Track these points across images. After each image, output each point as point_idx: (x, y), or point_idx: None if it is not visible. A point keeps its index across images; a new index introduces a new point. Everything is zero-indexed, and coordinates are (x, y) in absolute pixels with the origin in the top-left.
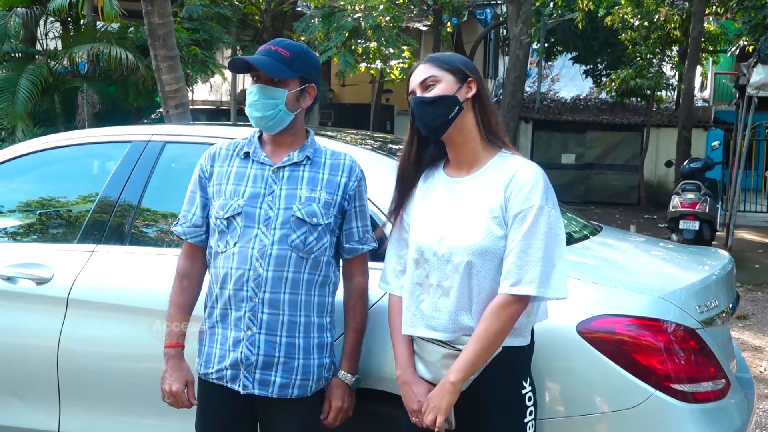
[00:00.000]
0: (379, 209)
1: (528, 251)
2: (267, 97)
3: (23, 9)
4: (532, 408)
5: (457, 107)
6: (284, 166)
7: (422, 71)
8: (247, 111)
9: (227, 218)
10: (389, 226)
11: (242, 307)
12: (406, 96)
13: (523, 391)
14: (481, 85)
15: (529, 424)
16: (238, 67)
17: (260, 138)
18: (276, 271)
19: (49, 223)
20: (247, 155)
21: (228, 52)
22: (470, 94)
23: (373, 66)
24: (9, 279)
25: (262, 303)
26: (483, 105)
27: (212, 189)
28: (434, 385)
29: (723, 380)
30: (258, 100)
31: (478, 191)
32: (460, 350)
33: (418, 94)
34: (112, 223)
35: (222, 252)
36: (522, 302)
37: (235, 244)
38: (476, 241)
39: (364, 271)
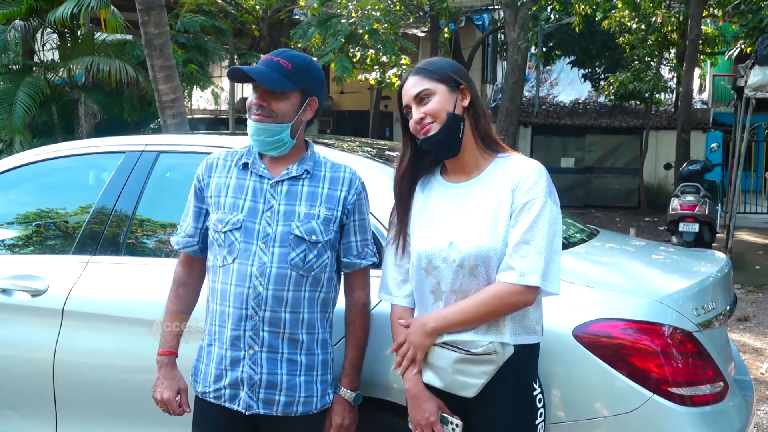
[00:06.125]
0: (378, 220)
1: (532, 242)
2: (270, 135)
3: (21, 22)
4: (542, 409)
5: (462, 123)
6: (282, 180)
7: (414, 85)
8: (251, 139)
9: (225, 232)
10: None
11: (241, 327)
12: (399, 109)
13: (534, 393)
14: (473, 90)
15: (540, 425)
16: (237, 77)
17: None
18: (276, 290)
19: (44, 234)
20: (245, 166)
21: (226, 62)
22: (466, 102)
23: (370, 76)
24: (4, 291)
25: (262, 321)
26: (476, 110)
27: (211, 200)
28: (444, 393)
29: (721, 383)
30: (262, 139)
31: (484, 194)
32: (475, 354)
33: (414, 110)
34: (107, 233)
35: (221, 266)
36: (532, 293)
37: (234, 260)
38: (488, 243)
39: (365, 286)
